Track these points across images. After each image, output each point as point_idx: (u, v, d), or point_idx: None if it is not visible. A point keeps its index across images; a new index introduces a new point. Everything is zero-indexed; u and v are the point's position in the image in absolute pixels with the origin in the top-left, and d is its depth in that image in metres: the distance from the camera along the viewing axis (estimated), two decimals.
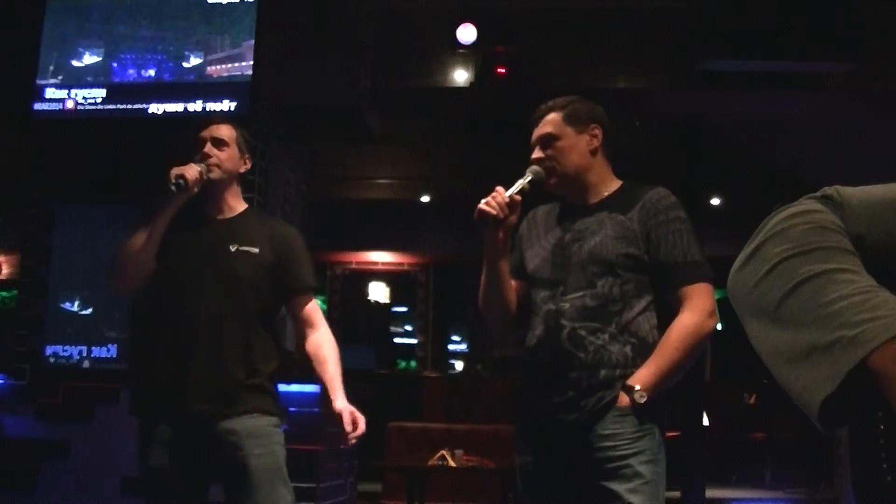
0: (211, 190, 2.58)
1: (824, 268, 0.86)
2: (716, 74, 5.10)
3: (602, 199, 2.28)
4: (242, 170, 2.65)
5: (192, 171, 2.49)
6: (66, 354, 4.73)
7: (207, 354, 2.46)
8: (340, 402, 2.51)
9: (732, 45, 4.81)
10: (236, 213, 2.64)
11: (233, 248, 2.54)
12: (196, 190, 2.51)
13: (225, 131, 2.62)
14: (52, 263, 4.79)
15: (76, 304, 4.79)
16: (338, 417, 2.49)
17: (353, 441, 2.50)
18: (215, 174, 2.56)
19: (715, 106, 5.71)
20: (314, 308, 2.67)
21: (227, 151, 2.59)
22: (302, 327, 2.67)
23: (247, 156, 2.66)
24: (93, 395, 4.28)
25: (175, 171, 2.48)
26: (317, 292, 2.82)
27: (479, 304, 2.32)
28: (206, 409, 2.44)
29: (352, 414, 2.48)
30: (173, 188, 2.45)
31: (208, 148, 2.57)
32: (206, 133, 2.60)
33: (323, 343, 2.62)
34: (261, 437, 2.46)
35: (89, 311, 4.76)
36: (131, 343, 4.54)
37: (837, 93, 5.24)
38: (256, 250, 2.56)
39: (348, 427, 2.47)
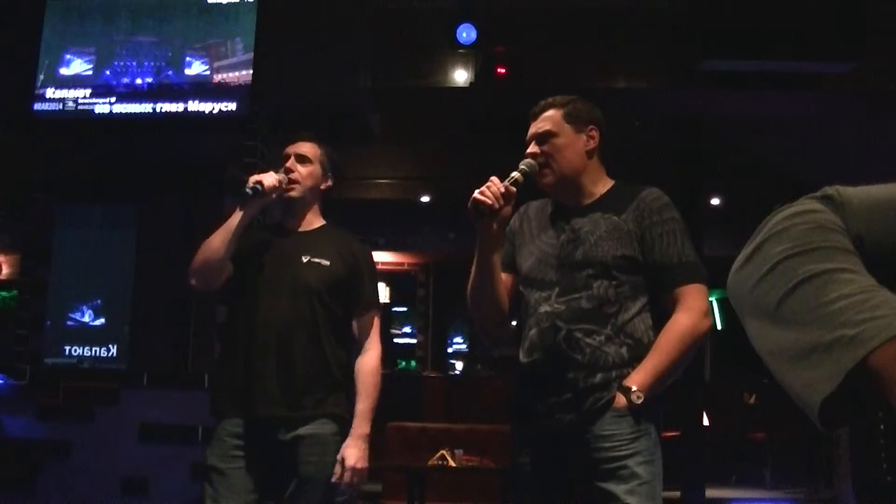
0: (293, 205, 2.69)
1: (825, 267, 0.86)
2: (716, 74, 5.10)
3: (596, 200, 2.27)
4: (324, 187, 2.72)
5: (270, 178, 2.56)
6: (66, 354, 4.74)
7: (277, 360, 2.53)
8: (350, 446, 2.55)
9: (732, 45, 4.81)
10: (313, 227, 2.72)
11: (304, 259, 2.61)
12: (273, 197, 2.59)
13: (309, 149, 2.70)
14: (51, 263, 4.79)
15: (87, 314, 4.79)
16: (339, 459, 2.54)
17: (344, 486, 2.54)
18: (296, 192, 2.64)
19: (715, 106, 5.71)
20: (369, 326, 2.75)
21: (309, 168, 2.67)
22: (356, 344, 2.74)
23: (329, 174, 2.72)
24: (93, 395, 4.27)
25: (254, 177, 2.56)
26: None
27: (468, 297, 2.29)
28: (272, 413, 2.50)
29: (348, 466, 2.52)
30: (249, 192, 2.52)
31: (291, 163, 2.65)
32: (290, 149, 2.69)
33: (363, 370, 2.69)
34: (318, 445, 2.52)
35: (101, 321, 4.77)
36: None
37: (837, 93, 5.23)
38: (327, 263, 2.64)
39: (335, 479, 2.52)
